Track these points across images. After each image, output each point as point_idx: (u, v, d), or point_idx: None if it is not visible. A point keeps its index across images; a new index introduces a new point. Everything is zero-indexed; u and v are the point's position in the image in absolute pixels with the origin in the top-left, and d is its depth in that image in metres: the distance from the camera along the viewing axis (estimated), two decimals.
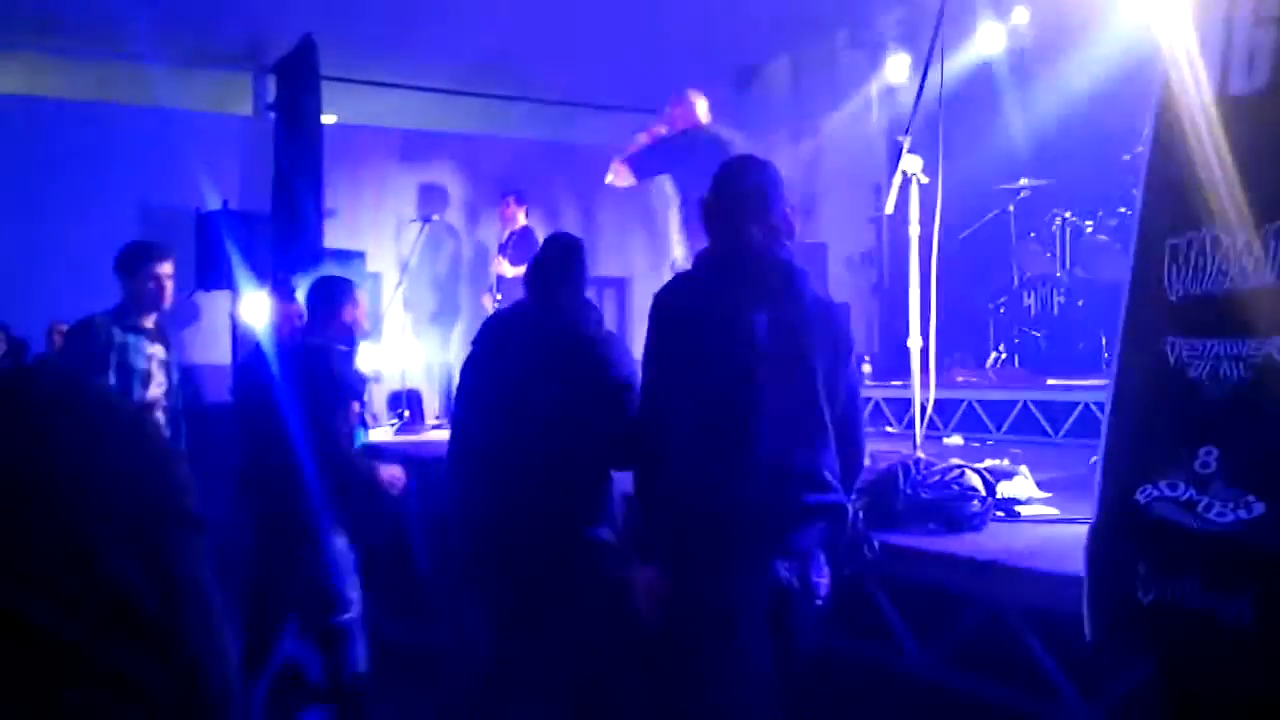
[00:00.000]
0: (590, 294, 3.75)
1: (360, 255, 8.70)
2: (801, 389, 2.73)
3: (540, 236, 7.60)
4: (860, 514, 3.03)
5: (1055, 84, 7.39)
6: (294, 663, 4.63)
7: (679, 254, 6.00)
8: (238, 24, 8.40)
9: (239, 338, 7.30)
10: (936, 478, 3.57)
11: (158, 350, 4.36)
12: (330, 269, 7.10)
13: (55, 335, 6.70)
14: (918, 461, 3.66)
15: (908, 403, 4.36)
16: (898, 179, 4.05)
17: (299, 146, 8.13)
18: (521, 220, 8.06)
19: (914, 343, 4.13)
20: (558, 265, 3.55)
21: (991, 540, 3.29)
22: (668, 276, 6.24)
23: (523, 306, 3.67)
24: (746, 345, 2.69)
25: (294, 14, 7.88)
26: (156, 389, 4.30)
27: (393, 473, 4.26)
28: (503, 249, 8.06)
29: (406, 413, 7.72)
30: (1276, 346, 1.79)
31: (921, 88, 4.16)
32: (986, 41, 7.73)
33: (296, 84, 8.23)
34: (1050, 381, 6.39)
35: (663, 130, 6.24)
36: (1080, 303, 6.90)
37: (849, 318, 8.47)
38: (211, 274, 7.95)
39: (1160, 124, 2.14)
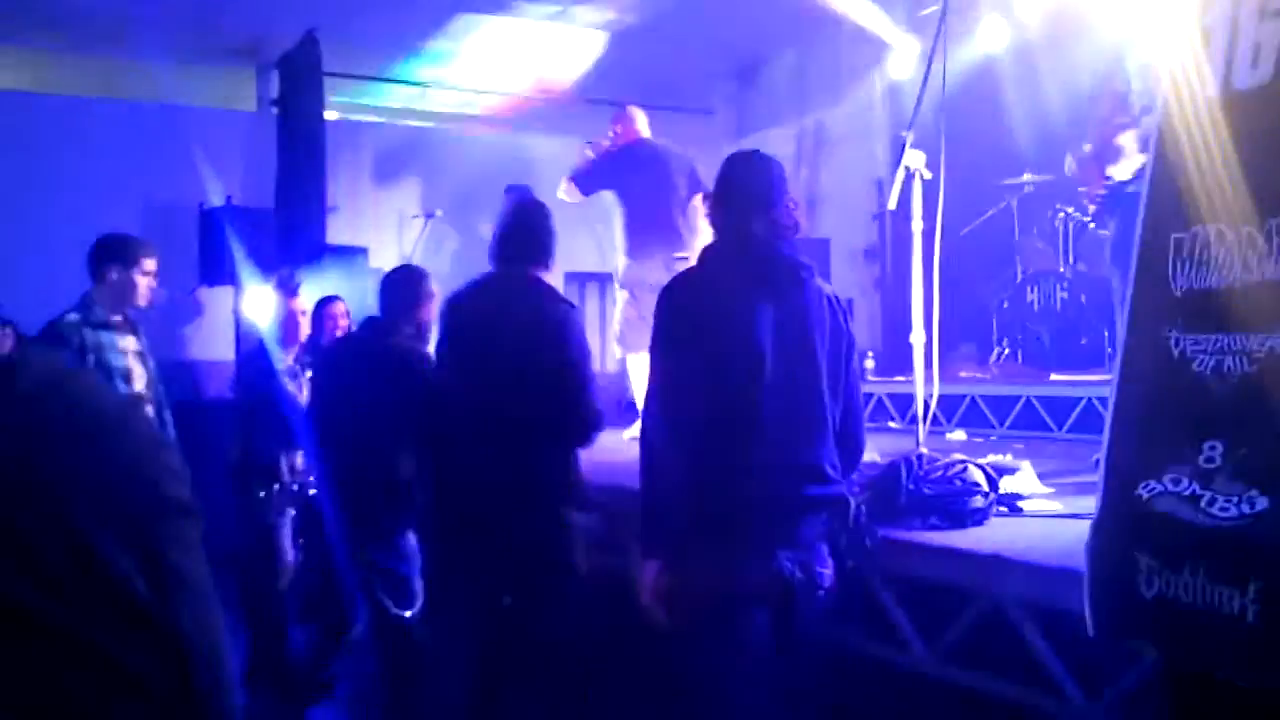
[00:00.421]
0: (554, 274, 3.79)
1: (363, 251, 8.70)
2: (806, 383, 2.75)
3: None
4: (862, 506, 3.04)
5: (1059, 78, 7.37)
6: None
7: (621, 262, 6.24)
8: (241, 20, 8.39)
9: (242, 334, 7.29)
10: (939, 473, 3.57)
11: (130, 343, 4.22)
12: (333, 265, 7.13)
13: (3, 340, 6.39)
14: (920, 456, 3.66)
15: (911, 398, 4.36)
16: (900, 174, 4.05)
17: (302, 142, 8.13)
18: None
19: (917, 338, 4.12)
20: (516, 241, 3.62)
21: (994, 535, 3.29)
22: (617, 280, 6.53)
23: (489, 281, 3.69)
24: (753, 340, 2.71)
25: (297, 10, 7.87)
26: (139, 382, 4.21)
27: None
28: None
29: None
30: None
31: (924, 83, 4.15)
32: (990, 36, 7.71)
33: (299, 80, 8.23)
34: (1053, 377, 6.39)
35: (605, 144, 6.46)
36: (1083, 298, 6.89)
37: (851, 312, 8.49)
38: (215, 269, 7.94)
39: (1165, 118, 2.14)
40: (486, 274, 3.68)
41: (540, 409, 3.40)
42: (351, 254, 8.17)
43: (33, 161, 7.84)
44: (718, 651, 2.74)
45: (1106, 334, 6.34)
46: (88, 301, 4.17)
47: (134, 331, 4.28)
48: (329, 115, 8.33)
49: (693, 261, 6.59)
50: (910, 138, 4.04)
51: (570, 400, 3.42)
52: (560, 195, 6.51)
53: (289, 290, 5.09)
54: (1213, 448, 1.84)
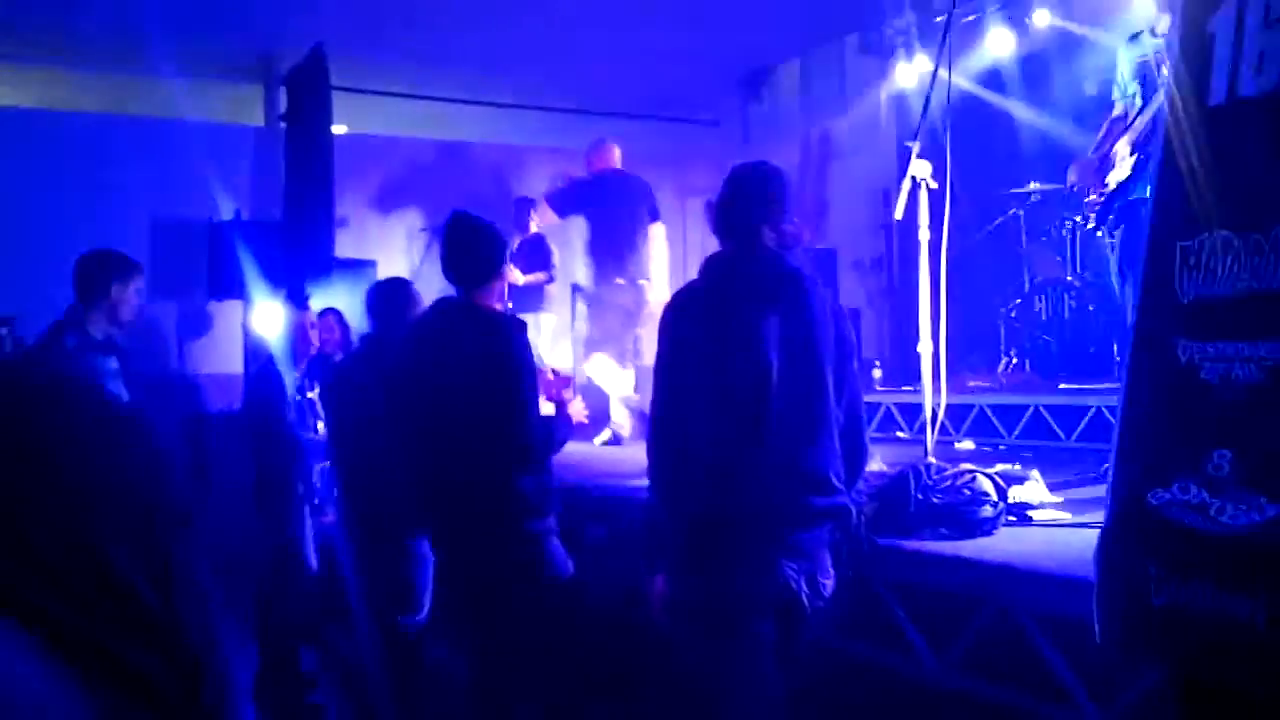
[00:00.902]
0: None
1: (371, 264, 8.72)
2: (810, 393, 2.75)
3: (551, 243, 7.82)
4: (861, 515, 3.05)
5: (1065, 88, 7.38)
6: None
7: (584, 281, 6.97)
8: (249, 36, 8.43)
9: (251, 348, 7.32)
10: (948, 482, 3.57)
11: (113, 363, 4.08)
12: (341, 278, 7.16)
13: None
14: (929, 466, 3.66)
15: (919, 408, 4.35)
16: (907, 184, 4.05)
17: (310, 156, 8.16)
18: (533, 227, 8.10)
19: (924, 348, 4.12)
20: (456, 262, 3.63)
21: (1003, 545, 3.28)
22: (580, 297, 6.97)
23: (432, 311, 3.75)
24: (758, 350, 2.71)
25: (305, 26, 7.91)
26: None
27: None
28: (513, 257, 8.08)
29: None
30: None
31: (930, 92, 4.16)
32: (996, 46, 7.73)
33: (307, 95, 8.27)
34: (1062, 386, 6.38)
35: (580, 173, 7.16)
36: (1091, 307, 6.88)
37: (855, 323, 8.49)
38: (223, 284, 7.97)
39: (1170, 125, 2.14)
40: (437, 300, 3.72)
41: (489, 430, 3.39)
42: (359, 267, 8.19)
43: (43, 178, 7.89)
44: (724, 662, 2.75)
45: (1115, 345, 6.32)
46: (79, 320, 4.02)
47: (115, 349, 4.14)
48: (337, 130, 8.36)
49: (652, 284, 7.05)
50: (916, 147, 4.04)
51: (510, 424, 3.39)
52: (535, 217, 7.35)
53: (299, 303, 5.12)
54: (1221, 455, 1.84)
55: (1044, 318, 7.17)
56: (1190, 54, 2.10)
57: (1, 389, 0.73)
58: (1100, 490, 2.23)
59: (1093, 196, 4.55)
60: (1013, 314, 7.40)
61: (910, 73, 8.35)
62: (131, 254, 4.40)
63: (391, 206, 9.64)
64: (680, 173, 10.04)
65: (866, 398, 6.98)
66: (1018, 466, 4.10)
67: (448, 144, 9.98)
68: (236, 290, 7.75)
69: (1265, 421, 1.80)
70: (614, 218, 6.78)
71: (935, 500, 3.48)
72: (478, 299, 3.56)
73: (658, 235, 6.96)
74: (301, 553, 4.79)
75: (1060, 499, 3.82)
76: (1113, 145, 4.38)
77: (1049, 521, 3.60)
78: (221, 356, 8.18)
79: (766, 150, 9.90)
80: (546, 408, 3.65)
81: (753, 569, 2.71)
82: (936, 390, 4.15)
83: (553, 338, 7.81)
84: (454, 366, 3.47)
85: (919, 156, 4.05)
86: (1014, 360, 7.23)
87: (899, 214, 4.13)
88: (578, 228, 7.21)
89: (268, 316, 5.63)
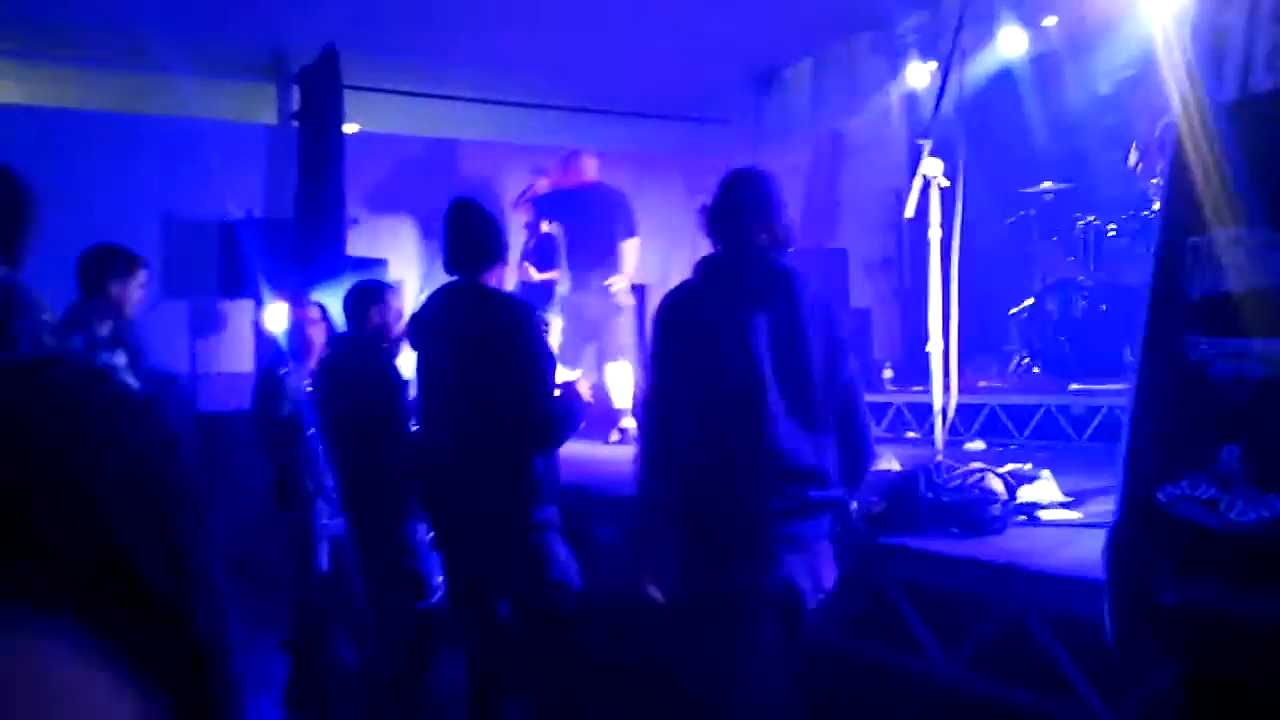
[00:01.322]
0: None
1: (383, 263, 8.73)
2: (802, 388, 2.79)
3: (560, 242, 7.89)
4: (863, 510, 3.08)
5: (1078, 87, 7.35)
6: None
7: (563, 288, 7.32)
8: (262, 35, 8.46)
9: (263, 346, 7.34)
10: (957, 481, 3.56)
11: (120, 357, 4.06)
12: (352, 277, 7.17)
13: None
14: (939, 465, 3.65)
15: (929, 408, 4.34)
16: (918, 182, 4.04)
17: (322, 155, 8.19)
18: (544, 227, 8.12)
19: (934, 347, 4.10)
20: (462, 248, 3.67)
21: (1013, 544, 3.27)
22: (556, 303, 7.18)
23: (443, 292, 3.77)
24: (749, 346, 2.77)
25: (317, 25, 7.93)
26: None
27: None
28: (527, 255, 8.10)
29: None
30: None
31: (942, 91, 4.15)
32: (1008, 45, 7.70)
33: (320, 93, 8.30)
34: (1073, 386, 6.35)
35: (554, 180, 7.51)
36: (1103, 307, 6.85)
37: (865, 323, 8.48)
38: (235, 282, 8.00)
39: (1181, 122, 2.13)
40: (443, 285, 3.76)
41: (502, 413, 3.44)
42: (371, 266, 8.21)
43: (55, 176, 7.90)
44: (729, 658, 2.76)
45: (1128, 348, 6.29)
46: (84, 318, 4.01)
47: (123, 343, 4.13)
48: (349, 128, 8.38)
49: (625, 292, 7.08)
50: (928, 145, 4.03)
51: (528, 402, 3.45)
52: (510, 209, 7.63)
53: (297, 300, 5.13)
54: (1230, 452, 1.83)
55: (1055, 318, 7.13)
56: (1203, 49, 2.08)
57: (8, 380, 0.74)
58: (1112, 490, 2.21)
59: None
60: (1024, 314, 7.36)
61: (922, 72, 8.33)
62: (143, 252, 4.41)
63: (403, 205, 9.66)
64: (692, 171, 10.03)
65: (878, 398, 7.06)
66: (1028, 466, 4.08)
67: (459, 143, 9.99)
68: (248, 289, 7.77)
69: (1275, 418, 1.79)
70: (590, 229, 7.07)
71: (945, 499, 3.48)
72: (486, 279, 3.61)
73: (632, 249, 7.16)
74: (314, 552, 4.81)
75: (1070, 499, 3.80)
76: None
77: (1059, 521, 3.59)
78: (233, 355, 8.20)
79: (778, 149, 9.93)
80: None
81: (754, 563, 2.73)
82: (946, 389, 4.14)
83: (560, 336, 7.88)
84: (468, 344, 3.51)
85: (931, 155, 4.04)
86: (1025, 360, 7.21)
87: (910, 212, 4.12)
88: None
89: (279, 315, 5.65)
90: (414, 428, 4.07)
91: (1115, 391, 5.63)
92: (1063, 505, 3.74)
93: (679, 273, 7.33)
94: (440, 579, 4.17)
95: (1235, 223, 1.94)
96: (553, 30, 8.36)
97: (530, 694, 3.53)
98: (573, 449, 3.89)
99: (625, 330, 7.15)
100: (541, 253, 7.84)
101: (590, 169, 7.35)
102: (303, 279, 5.86)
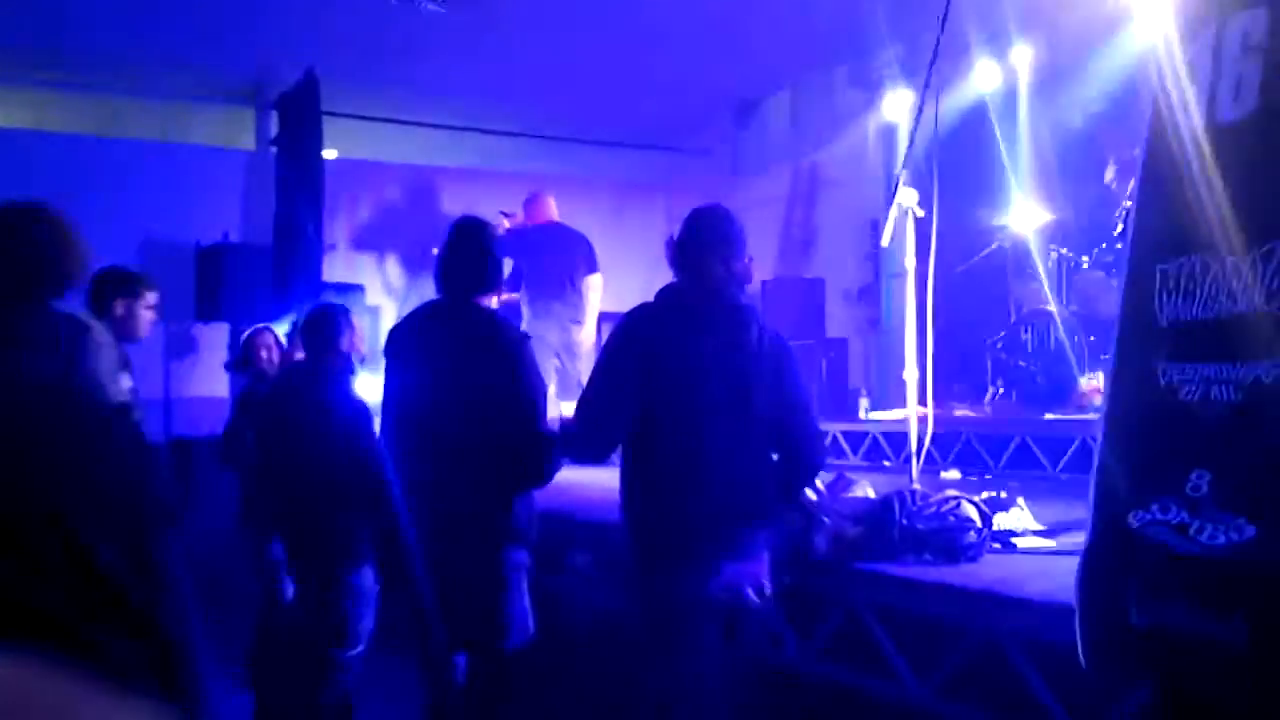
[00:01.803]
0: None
1: (360, 289, 8.73)
2: (746, 410, 2.99)
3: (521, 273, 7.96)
4: (808, 522, 3.36)
5: (1051, 120, 7.45)
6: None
7: (525, 317, 7.41)
8: (241, 60, 8.48)
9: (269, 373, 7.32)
10: (933, 508, 3.57)
11: (126, 379, 3.88)
12: (330, 302, 7.15)
13: None
14: (914, 492, 3.66)
15: (905, 437, 4.36)
16: (894, 211, 4.08)
17: (300, 181, 8.19)
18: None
19: (909, 374, 4.14)
20: (458, 266, 3.58)
21: (988, 571, 3.28)
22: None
23: (432, 310, 3.69)
24: (694, 369, 2.99)
25: (297, 51, 7.96)
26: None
27: None
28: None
29: None
30: (1265, 370, 1.80)
31: (917, 122, 4.20)
32: (984, 78, 7.80)
33: (298, 119, 8.31)
34: (1048, 416, 6.39)
35: (519, 219, 7.78)
36: (1076, 338, 6.91)
37: (842, 352, 8.52)
38: (210, 306, 7.97)
39: (1150, 151, 2.16)
40: (429, 302, 3.68)
41: (491, 440, 3.34)
42: (348, 292, 8.20)
43: (33, 198, 7.88)
44: (671, 654, 2.96)
45: (1099, 374, 6.34)
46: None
47: (126, 367, 4.00)
48: (327, 154, 8.39)
49: (583, 328, 7.41)
50: (904, 176, 4.08)
51: (524, 431, 3.37)
52: None
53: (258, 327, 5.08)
54: (1200, 476, 1.85)
55: (1030, 348, 7.19)
56: (1170, 80, 2.12)
57: None
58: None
59: (1127, 203, 4.56)
60: (999, 344, 7.42)
61: (899, 105, 8.42)
62: None
63: (381, 232, 9.66)
64: (670, 201, 10.09)
65: (853, 426, 7.07)
66: (1003, 494, 4.10)
67: (438, 170, 10.02)
68: (223, 313, 7.74)
69: (1243, 442, 1.81)
70: (551, 266, 7.42)
71: (920, 526, 3.48)
72: (481, 301, 3.53)
73: (595, 285, 7.55)
74: (279, 580, 4.72)
75: (1045, 527, 3.82)
76: None
77: (1034, 548, 3.60)
78: (207, 379, 8.16)
79: (756, 179, 10.00)
80: None
81: (694, 571, 2.91)
82: (922, 418, 4.16)
83: None
84: (461, 362, 3.42)
85: (906, 185, 4.09)
86: (1000, 390, 7.26)
87: (886, 240, 4.16)
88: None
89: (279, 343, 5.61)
90: (376, 455, 3.93)
91: (1089, 422, 5.67)
92: (1038, 534, 3.75)
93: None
94: (368, 629, 4.06)
95: (1203, 250, 1.97)
96: (533, 60, 8.42)
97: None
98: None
99: (584, 369, 7.27)
100: (513, 278, 7.92)
101: (551, 209, 7.73)
102: (278, 305, 5.84)
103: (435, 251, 3.69)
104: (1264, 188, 1.91)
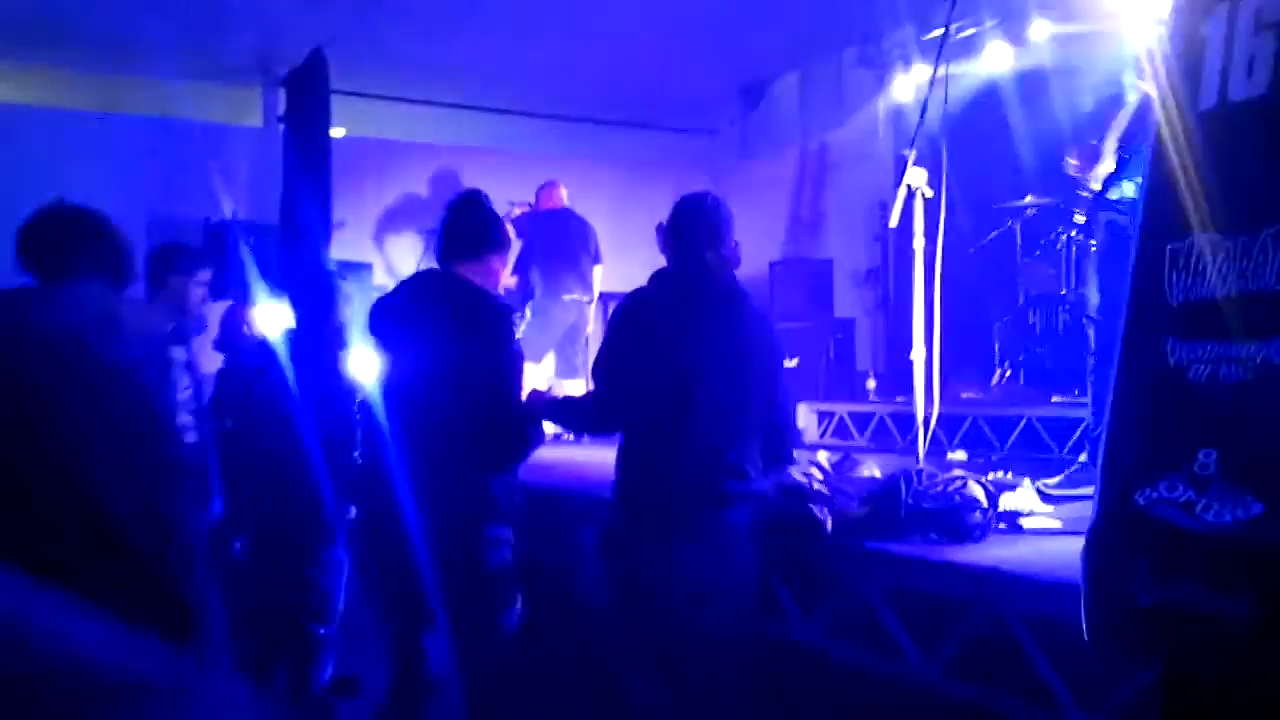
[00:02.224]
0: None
1: (368, 267, 8.74)
2: (735, 393, 3.13)
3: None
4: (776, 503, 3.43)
5: (1063, 101, 7.41)
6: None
7: (537, 292, 7.81)
8: (249, 37, 8.46)
9: (245, 347, 7.32)
10: (939, 488, 3.57)
11: (179, 352, 4.06)
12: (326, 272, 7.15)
13: None
14: (920, 472, 3.66)
15: (912, 418, 4.36)
16: (902, 192, 4.06)
17: (308, 158, 8.17)
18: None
19: (917, 354, 4.13)
20: (450, 238, 3.59)
21: (994, 551, 3.29)
22: (530, 305, 7.60)
23: (415, 281, 3.82)
24: (689, 352, 3.10)
25: (304, 28, 7.94)
26: (184, 393, 4.04)
27: None
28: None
29: None
30: (1275, 349, 1.80)
31: (926, 103, 4.18)
32: (994, 60, 7.76)
33: (306, 97, 8.28)
34: (1055, 399, 6.39)
35: (530, 205, 8.25)
36: (1085, 320, 6.88)
37: (850, 333, 8.52)
38: (219, 284, 7.96)
39: (1161, 130, 2.15)
40: (418, 272, 3.78)
41: (465, 413, 3.31)
42: (356, 270, 8.20)
43: (41, 176, 7.88)
44: (642, 648, 3.10)
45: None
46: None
47: (182, 340, 4.17)
48: (335, 132, 8.38)
49: (594, 303, 7.66)
50: (912, 156, 4.06)
51: (496, 405, 3.36)
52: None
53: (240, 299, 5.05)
54: (1207, 454, 1.85)
55: (1038, 331, 7.18)
56: (1182, 57, 2.11)
57: (7, 342, 0.75)
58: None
59: (1085, 193, 4.58)
60: (1006, 327, 7.41)
61: (907, 86, 8.39)
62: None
63: (389, 211, 9.66)
64: (679, 182, 10.04)
65: (861, 407, 7.07)
66: (1009, 474, 4.10)
67: (447, 149, 10.01)
68: (232, 290, 7.74)
69: (1250, 420, 1.81)
70: (562, 249, 7.85)
71: (926, 506, 3.49)
72: (467, 274, 3.50)
73: (596, 274, 7.95)
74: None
75: (1051, 508, 3.82)
76: (1106, 140, 4.42)
77: (1040, 529, 3.61)
78: (215, 356, 8.16)
79: (765, 161, 9.98)
80: None
81: (678, 546, 3.04)
82: (929, 399, 4.16)
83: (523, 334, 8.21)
84: (445, 331, 3.41)
85: (915, 165, 4.07)
86: (1008, 372, 7.25)
87: (894, 221, 4.14)
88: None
89: (262, 317, 5.62)
90: (353, 428, 3.88)
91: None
92: (1045, 514, 3.76)
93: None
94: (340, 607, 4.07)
95: (1213, 229, 1.97)
96: (542, 40, 8.40)
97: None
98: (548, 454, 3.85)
99: (588, 347, 7.65)
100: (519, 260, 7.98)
101: (562, 195, 8.22)
102: (286, 281, 5.83)
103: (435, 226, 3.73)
104: (1276, 166, 1.90)
